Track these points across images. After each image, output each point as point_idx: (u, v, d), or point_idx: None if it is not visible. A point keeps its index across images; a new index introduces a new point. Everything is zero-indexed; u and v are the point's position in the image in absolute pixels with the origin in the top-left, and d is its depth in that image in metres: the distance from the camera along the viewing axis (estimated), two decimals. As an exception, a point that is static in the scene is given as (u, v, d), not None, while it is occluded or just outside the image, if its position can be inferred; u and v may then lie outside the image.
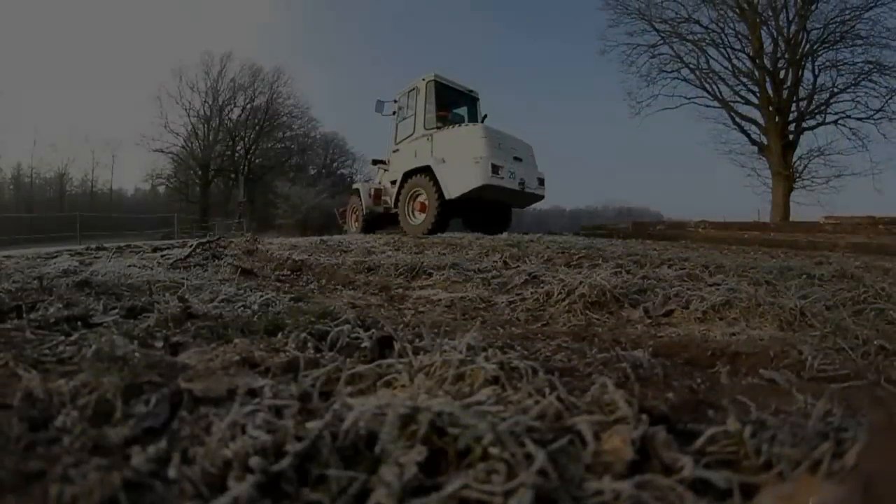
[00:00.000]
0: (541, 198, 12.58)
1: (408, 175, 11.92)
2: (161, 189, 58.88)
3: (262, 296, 2.09)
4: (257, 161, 55.84)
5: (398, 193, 12.10)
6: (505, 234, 8.58)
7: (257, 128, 55.32)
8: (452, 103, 13.47)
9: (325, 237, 8.33)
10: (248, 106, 55.24)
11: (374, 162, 14.65)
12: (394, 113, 13.80)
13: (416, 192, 11.77)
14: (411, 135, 12.84)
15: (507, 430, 0.73)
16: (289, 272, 3.51)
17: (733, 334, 2.05)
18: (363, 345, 1.28)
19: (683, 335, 1.99)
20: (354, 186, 15.01)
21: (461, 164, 10.86)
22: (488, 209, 12.39)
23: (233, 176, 53.55)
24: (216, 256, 4.09)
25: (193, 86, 53.71)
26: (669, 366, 1.58)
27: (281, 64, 58.48)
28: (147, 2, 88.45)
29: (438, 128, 12.22)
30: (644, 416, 0.88)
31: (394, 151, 13.64)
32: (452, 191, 10.92)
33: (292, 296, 2.26)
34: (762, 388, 1.44)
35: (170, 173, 55.04)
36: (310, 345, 1.29)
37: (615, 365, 1.35)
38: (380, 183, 13.94)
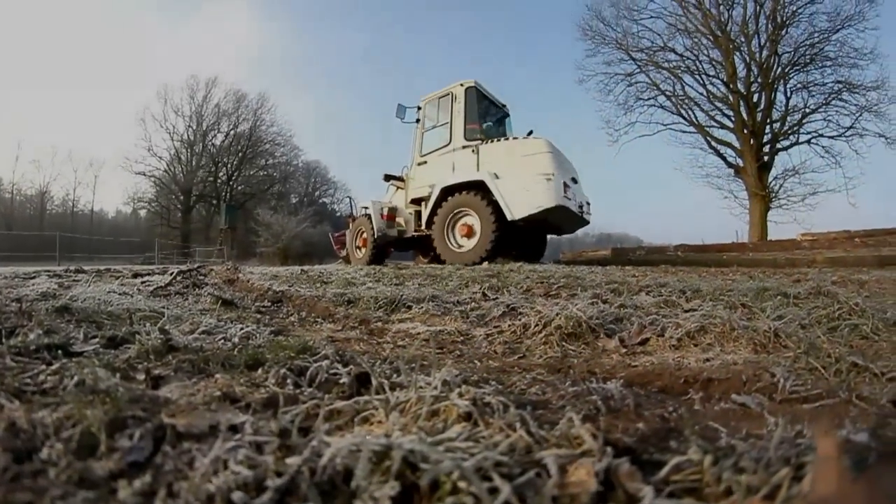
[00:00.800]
0: (587, 223, 11.54)
1: (448, 192, 10.55)
2: (143, 213, 58.83)
3: (242, 328, 2.11)
4: (239, 188, 55.90)
5: (433, 213, 10.65)
6: (520, 263, 8.14)
7: (240, 154, 55.51)
8: (486, 115, 12.04)
9: (305, 267, 8.27)
10: (232, 132, 55.76)
11: (387, 178, 12.63)
12: (417, 120, 12.25)
13: (462, 213, 10.36)
14: (446, 145, 11.34)
15: (475, 465, 0.76)
16: (269, 303, 3.52)
17: (707, 360, 2.08)
18: (342, 380, 1.31)
19: (657, 364, 2.01)
20: (363, 206, 12.99)
21: (524, 180, 9.63)
22: (527, 234, 10.86)
23: (214, 202, 53.51)
24: (197, 285, 4.09)
25: (178, 109, 54.20)
26: (643, 395, 1.59)
27: (265, 91, 58.51)
28: (141, 19, 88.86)
29: (482, 140, 10.85)
30: (609, 449, 0.90)
31: (418, 164, 11.98)
32: (517, 211, 9.58)
33: (272, 329, 2.28)
34: (734, 412, 1.46)
35: (151, 197, 55.10)
36: (289, 380, 1.31)
37: (586, 398, 1.37)
38: (390, 201, 12.64)
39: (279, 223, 38.38)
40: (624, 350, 2.30)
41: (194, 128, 54.40)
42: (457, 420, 1.01)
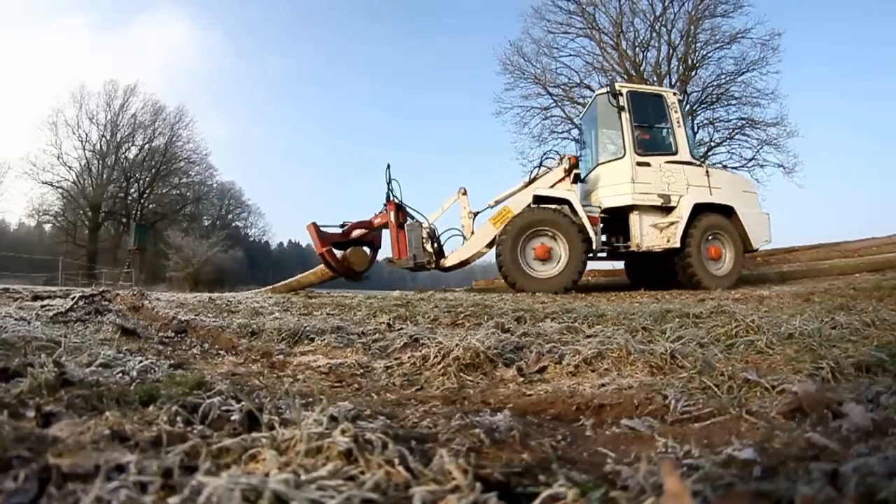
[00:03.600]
0: None
1: (700, 209, 9.76)
2: (48, 227, 55.31)
3: (141, 361, 2.06)
4: (151, 206, 53.45)
5: (687, 229, 9.56)
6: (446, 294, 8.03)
7: (154, 170, 52.99)
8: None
9: (214, 295, 8.02)
10: (147, 146, 52.88)
11: (572, 168, 9.99)
12: (621, 108, 10.10)
13: (716, 233, 9.93)
14: (671, 154, 10.25)
15: (340, 503, 0.82)
16: (173, 334, 3.44)
17: (603, 385, 2.15)
18: (233, 417, 1.32)
19: (552, 391, 2.07)
20: (538, 200, 9.82)
21: (755, 215, 10.21)
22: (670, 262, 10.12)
23: (124, 221, 51.05)
24: (100, 311, 3.96)
25: (93, 116, 50.87)
26: (535, 424, 1.65)
27: (184, 105, 56.01)
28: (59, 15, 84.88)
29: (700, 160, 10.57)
30: (478, 484, 0.94)
31: (637, 164, 9.97)
32: (755, 242, 10.14)
33: (172, 362, 2.24)
34: (625, 436, 1.53)
35: (58, 210, 51.36)
36: (180, 418, 1.31)
37: (470, 431, 1.39)
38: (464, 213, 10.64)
39: (190, 246, 37.26)
40: (521, 379, 2.36)
41: (108, 138, 51.37)
42: (337, 457, 1.04)
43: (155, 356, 2.33)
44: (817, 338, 2.92)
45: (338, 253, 10.64)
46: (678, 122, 10.39)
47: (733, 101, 30.36)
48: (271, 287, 12.07)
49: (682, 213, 9.56)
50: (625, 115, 10.09)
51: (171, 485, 0.93)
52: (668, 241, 9.60)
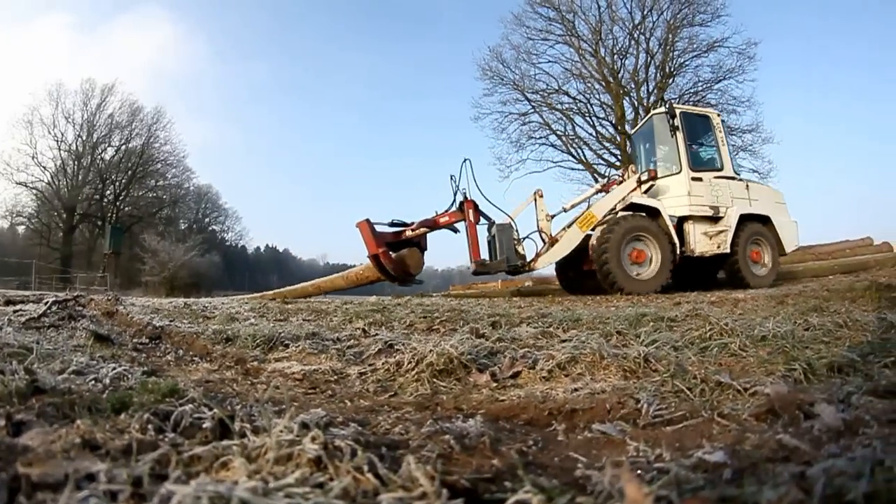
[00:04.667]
0: None
1: (743, 219, 11.11)
2: (21, 229, 54.25)
3: (115, 368, 2.04)
4: (126, 209, 52.62)
5: (734, 236, 10.88)
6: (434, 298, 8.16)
7: (130, 172, 52.12)
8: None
9: (190, 300, 7.97)
10: (124, 147, 52.05)
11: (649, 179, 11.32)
12: (676, 128, 11.29)
13: (756, 239, 11.41)
14: (717, 170, 11.53)
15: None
16: (147, 340, 3.42)
17: (576, 390, 2.15)
18: (205, 425, 1.32)
19: (525, 397, 2.06)
20: (625, 200, 11.07)
21: (787, 224, 11.72)
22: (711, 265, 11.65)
23: (99, 223, 50.24)
24: (73, 317, 3.93)
25: (69, 115, 49.94)
26: (507, 429, 1.65)
27: (162, 106, 54.96)
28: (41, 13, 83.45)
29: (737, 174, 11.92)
30: (444, 491, 0.96)
31: (692, 179, 11.22)
32: (787, 247, 11.72)
33: (146, 369, 2.23)
34: (597, 441, 1.53)
35: (32, 212, 50.35)
36: (152, 426, 1.30)
37: (440, 437, 1.40)
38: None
39: (166, 250, 36.89)
40: (495, 384, 2.36)
41: (84, 138, 50.65)
42: (307, 464, 1.05)
43: (128, 363, 2.32)
44: (790, 339, 2.96)
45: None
46: (722, 141, 11.82)
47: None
48: (278, 291, 11.55)
49: (731, 222, 10.94)
50: (679, 135, 11.31)
51: (140, 493, 0.93)
52: (719, 246, 10.89)
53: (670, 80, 32.24)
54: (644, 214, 10.84)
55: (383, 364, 2.64)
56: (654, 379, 2.27)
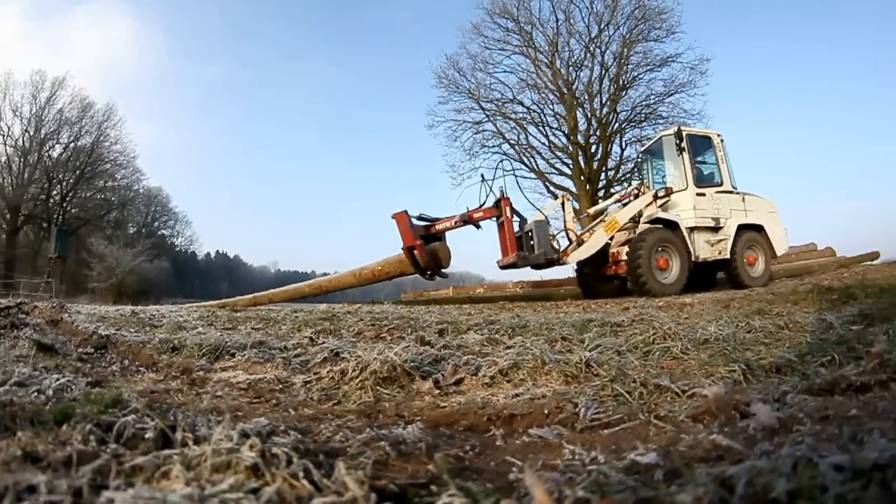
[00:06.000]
0: None
1: (740, 228, 12.53)
2: (-38, 230, 51.95)
3: (58, 379, 2.01)
4: (74, 211, 50.52)
5: (735, 243, 12.33)
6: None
7: (78, 172, 49.77)
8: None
9: (137, 308, 7.78)
10: (73, 144, 49.71)
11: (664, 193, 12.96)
12: (682, 149, 12.86)
13: (752, 245, 12.75)
14: (718, 184, 13.03)
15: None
16: (93, 350, 3.38)
17: (517, 396, 2.20)
18: (147, 435, 1.33)
19: (465, 403, 2.11)
20: (651, 210, 12.88)
21: (777, 231, 13.04)
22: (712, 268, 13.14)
23: (45, 225, 48.29)
24: (16, 325, 3.86)
25: (17, 108, 47.64)
26: (447, 435, 1.70)
27: (114, 103, 52.64)
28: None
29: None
30: (373, 495, 1.01)
31: (697, 194, 12.77)
32: (778, 252, 13.15)
33: (91, 380, 2.21)
34: (535, 445, 1.57)
35: None
36: (94, 437, 1.31)
37: (376, 444, 1.44)
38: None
39: (114, 255, 35.99)
40: (438, 391, 2.41)
41: (31, 133, 48.45)
42: (244, 472, 1.09)
43: (73, 374, 2.29)
44: (732, 342, 3.08)
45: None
46: (722, 159, 13.32)
47: (661, 121, 32.05)
48: (265, 293, 11.40)
49: (730, 231, 12.47)
50: (685, 156, 12.82)
51: (80, 504, 0.95)
52: (720, 253, 12.41)
53: (623, 93, 33.19)
54: (663, 227, 12.33)
55: (328, 372, 2.66)
56: (594, 383, 2.33)
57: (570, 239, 13.02)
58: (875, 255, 18.35)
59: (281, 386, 2.55)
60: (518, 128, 34.11)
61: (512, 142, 34.00)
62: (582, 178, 31.19)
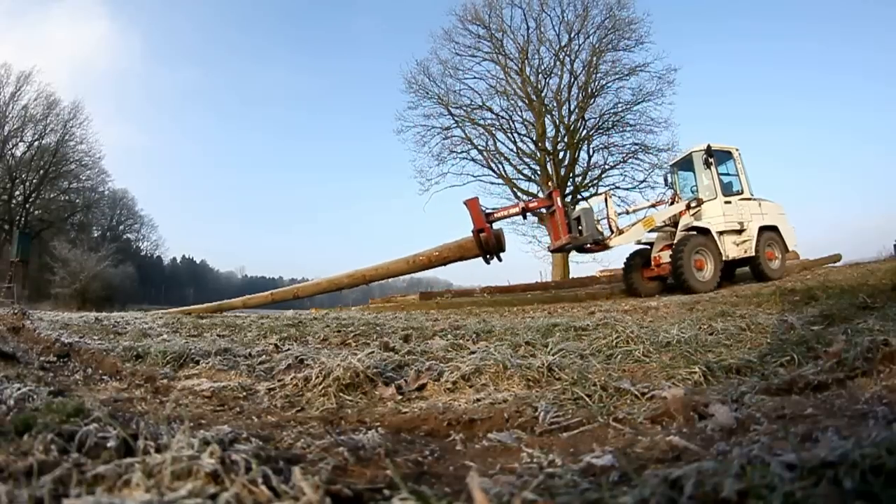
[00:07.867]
0: None
1: (761, 229, 14.27)
2: (-82, 232, 50.22)
3: (19, 389, 2.00)
4: (37, 212, 48.99)
5: (756, 244, 14.05)
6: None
7: (42, 172, 48.07)
8: None
9: (101, 315, 7.64)
10: (37, 143, 48.05)
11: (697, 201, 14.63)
12: (709, 164, 14.54)
13: (770, 243, 14.36)
14: (739, 193, 14.81)
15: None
16: (55, 358, 3.32)
17: (478, 400, 2.25)
18: (109, 444, 1.35)
19: (426, 408, 2.14)
20: (688, 220, 14.62)
21: (787, 230, 14.76)
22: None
23: (6, 228, 47.02)
24: (-26, 334, 3.81)
25: None
26: (407, 440, 1.73)
27: (81, 101, 51.50)
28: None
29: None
30: (328, 500, 1.04)
31: (725, 202, 14.43)
32: (791, 246, 15.02)
33: (52, 389, 2.17)
34: (494, 449, 1.60)
35: None
36: (55, 446, 1.32)
37: (335, 450, 1.47)
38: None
39: (78, 260, 35.19)
40: (400, 397, 2.45)
41: None
42: (204, 478, 1.12)
43: (35, 383, 2.26)
44: (693, 344, 3.17)
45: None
46: (741, 170, 15.10)
47: (628, 128, 33.20)
48: (313, 283, 12.24)
49: (753, 233, 14.20)
50: (713, 169, 14.60)
51: (40, 512, 0.96)
52: (746, 251, 14.14)
53: (592, 101, 33.85)
54: (697, 233, 13.99)
55: (292, 379, 2.67)
56: (556, 387, 2.38)
57: (611, 229, 14.49)
58: (837, 258, 19.16)
59: (245, 393, 2.56)
60: (486, 134, 34.49)
61: (480, 147, 34.40)
62: (549, 183, 31.48)
